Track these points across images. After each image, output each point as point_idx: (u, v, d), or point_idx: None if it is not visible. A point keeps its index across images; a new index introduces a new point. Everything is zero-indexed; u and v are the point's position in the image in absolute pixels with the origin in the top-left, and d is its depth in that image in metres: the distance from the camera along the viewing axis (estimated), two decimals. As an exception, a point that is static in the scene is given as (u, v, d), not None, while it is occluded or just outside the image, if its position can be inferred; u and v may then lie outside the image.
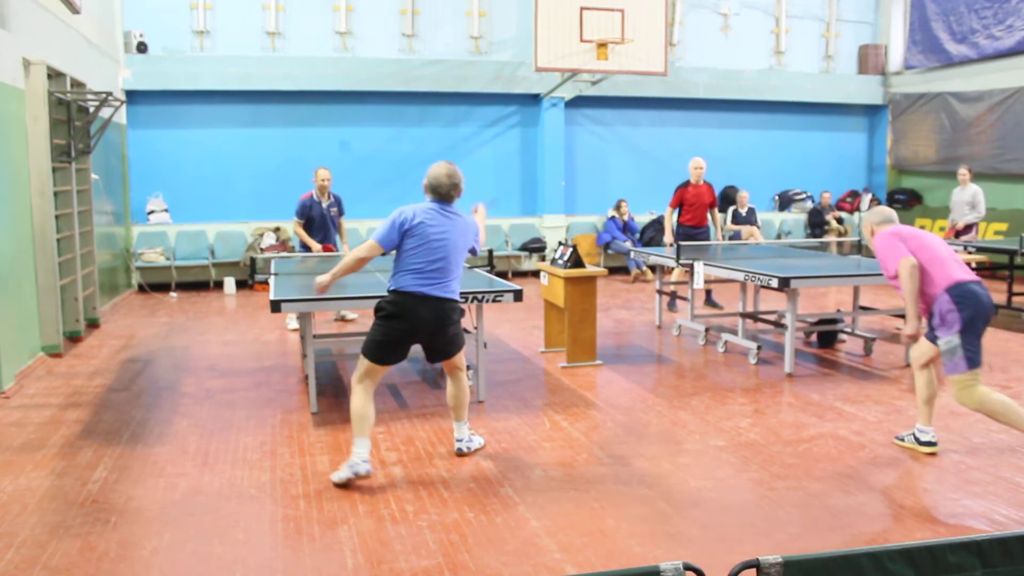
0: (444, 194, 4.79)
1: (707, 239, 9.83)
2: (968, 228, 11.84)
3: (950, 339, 4.65)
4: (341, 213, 9.25)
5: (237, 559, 3.69)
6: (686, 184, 9.81)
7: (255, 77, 12.55)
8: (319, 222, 9.06)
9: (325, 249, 9.00)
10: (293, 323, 9.02)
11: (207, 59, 12.51)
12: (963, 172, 11.82)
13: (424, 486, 4.54)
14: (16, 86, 7.22)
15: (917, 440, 5.08)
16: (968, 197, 11.75)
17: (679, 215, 9.92)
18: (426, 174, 4.83)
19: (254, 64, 12.61)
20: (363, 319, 9.68)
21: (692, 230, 9.78)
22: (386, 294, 4.76)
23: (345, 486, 4.53)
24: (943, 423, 5.62)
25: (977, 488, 4.48)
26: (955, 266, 4.73)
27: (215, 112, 12.81)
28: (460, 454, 5.04)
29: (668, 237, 9.99)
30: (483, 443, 5.19)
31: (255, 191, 12.99)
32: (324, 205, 9.09)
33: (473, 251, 5.02)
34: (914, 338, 4.89)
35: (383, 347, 4.70)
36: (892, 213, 5.17)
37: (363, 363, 4.73)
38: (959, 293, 4.64)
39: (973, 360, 4.62)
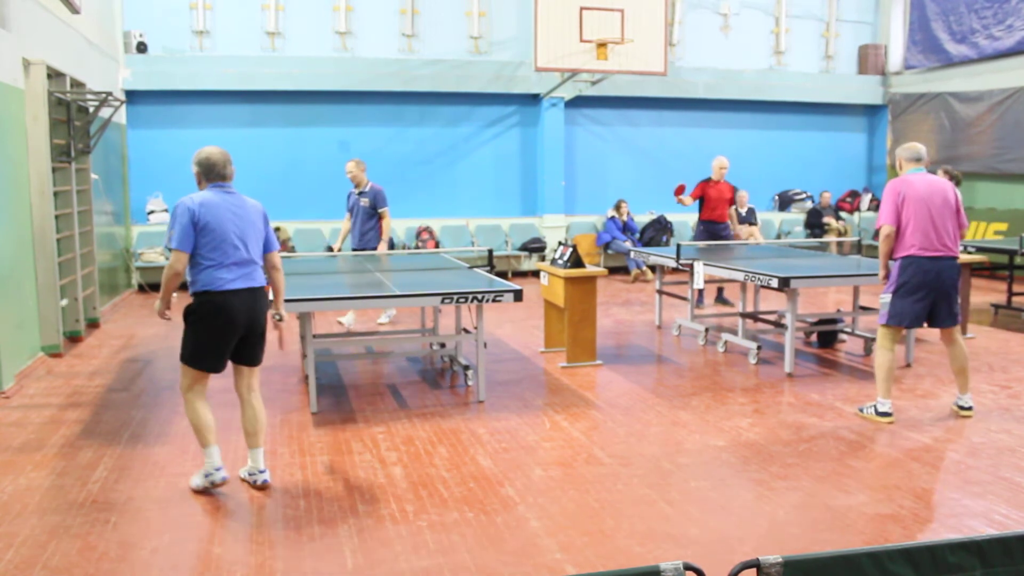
0: (221, 172, 4.46)
1: (728, 236, 9.96)
2: None
3: (885, 296, 5.71)
4: (375, 207, 8.73)
5: (237, 559, 3.69)
6: (707, 180, 9.94)
7: (255, 77, 12.55)
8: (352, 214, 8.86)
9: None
10: (384, 317, 9.18)
11: (207, 59, 12.51)
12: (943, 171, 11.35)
13: (424, 486, 4.54)
14: (16, 86, 7.22)
15: (876, 411, 5.75)
16: None
17: (701, 211, 10.02)
18: (193, 162, 4.48)
19: (254, 64, 12.60)
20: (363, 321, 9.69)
21: (713, 226, 9.93)
22: (192, 298, 4.47)
23: (203, 491, 4.43)
24: (943, 423, 5.63)
25: (977, 488, 4.48)
26: (920, 240, 5.53)
27: (215, 112, 12.80)
28: (255, 485, 4.53)
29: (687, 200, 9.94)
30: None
31: (255, 191, 12.66)
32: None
33: (268, 243, 4.61)
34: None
35: (203, 352, 4.44)
36: (922, 152, 5.77)
37: (187, 373, 4.49)
38: (906, 263, 5.59)
39: (893, 317, 5.65)
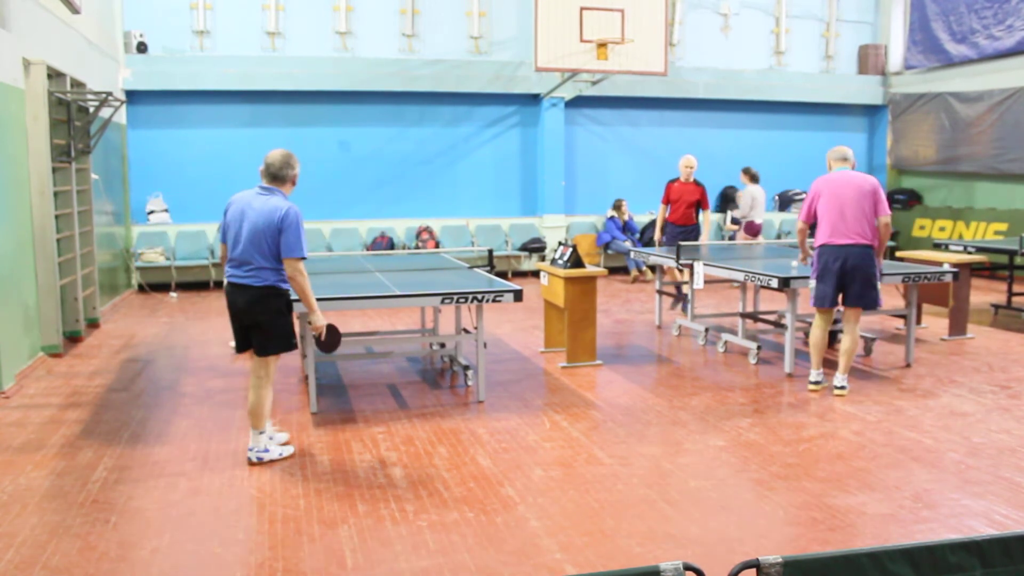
0: (270, 173, 4.81)
1: (695, 238, 9.53)
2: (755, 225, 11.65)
3: (811, 281, 6.39)
4: None
5: (237, 559, 3.69)
6: (674, 180, 9.66)
7: (255, 77, 12.55)
8: None
9: None
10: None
11: (207, 59, 12.51)
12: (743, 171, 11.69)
13: (424, 486, 4.54)
14: (16, 86, 7.22)
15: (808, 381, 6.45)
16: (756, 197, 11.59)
17: (668, 213, 9.72)
18: None
19: (254, 64, 12.60)
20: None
21: (676, 228, 9.55)
22: None
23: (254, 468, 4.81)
24: (943, 423, 5.63)
25: (977, 488, 4.48)
26: (830, 230, 6.21)
27: (215, 112, 12.80)
28: (250, 463, 4.88)
29: (658, 235, 9.77)
30: (284, 455, 4.97)
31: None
32: None
33: (280, 249, 4.68)
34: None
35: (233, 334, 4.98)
36: (846, 153, 6.42)
37: None
38: (819, 252, 6.31)
39: (816, 299, 6.34)
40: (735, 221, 12.39)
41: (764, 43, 15.08)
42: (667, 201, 9.66)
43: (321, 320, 4.87)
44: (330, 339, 4.95)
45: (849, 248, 6.14)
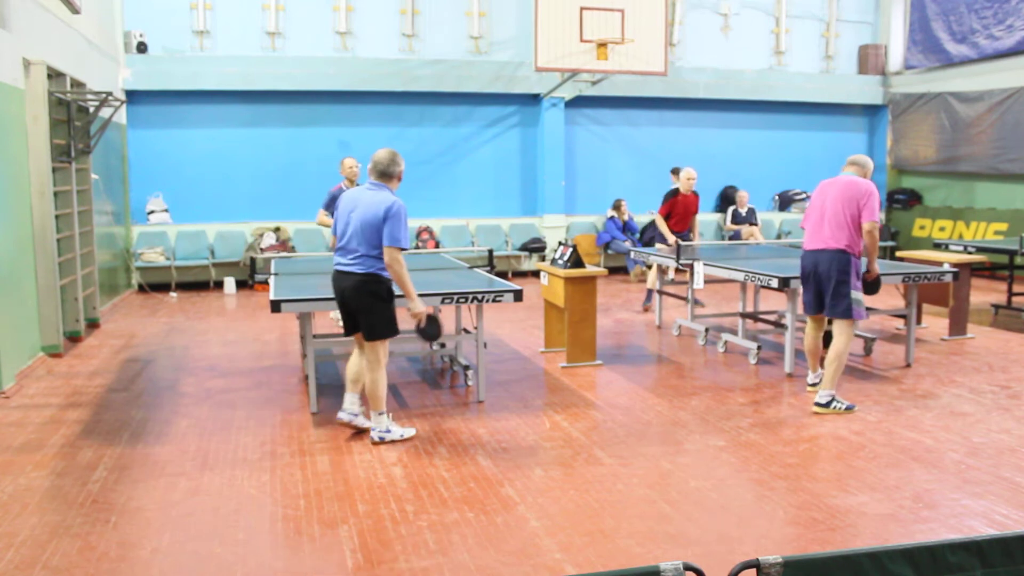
0: (377, 171, 5.10)
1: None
2: None
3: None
4: None
5: (237, 559, 3.69)
6: (675, 194, 9.71)
7: (255, 77, 12.55)
8: None
9: None
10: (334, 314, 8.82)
11: (207, 59, 12.51)
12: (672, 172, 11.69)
13: (424, 486, 4.54)
14: (16, 86, 7.22)
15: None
16: None
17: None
18: None
19: (254, 64, 12.60)
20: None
21: (678, 235, 9.69)
22: None
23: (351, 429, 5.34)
24: (943, 423, 5.63)
25: (977, 488, 4.48)
26: (808, 234, 6.06)
27: (215, 112, 12.81)
28: (341, 422, 5.36)
29: (671, 239, 9.85)
30: (405, 436, 5.31)
31: (255, 191, 12.99)
32: None
33: (383, 232, 4.96)
34: None
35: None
36: (856, 158, 6.04)
37: None
38: (800, 258, 6.18)
39: (804, 306, 6.21)
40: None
41: (764, 43, 15.08)
42: (668, 213, 9.73)
43: (420, 307, 5.15)
44: (430, 328, 5.21)
45: (819, 253, 5.89)
